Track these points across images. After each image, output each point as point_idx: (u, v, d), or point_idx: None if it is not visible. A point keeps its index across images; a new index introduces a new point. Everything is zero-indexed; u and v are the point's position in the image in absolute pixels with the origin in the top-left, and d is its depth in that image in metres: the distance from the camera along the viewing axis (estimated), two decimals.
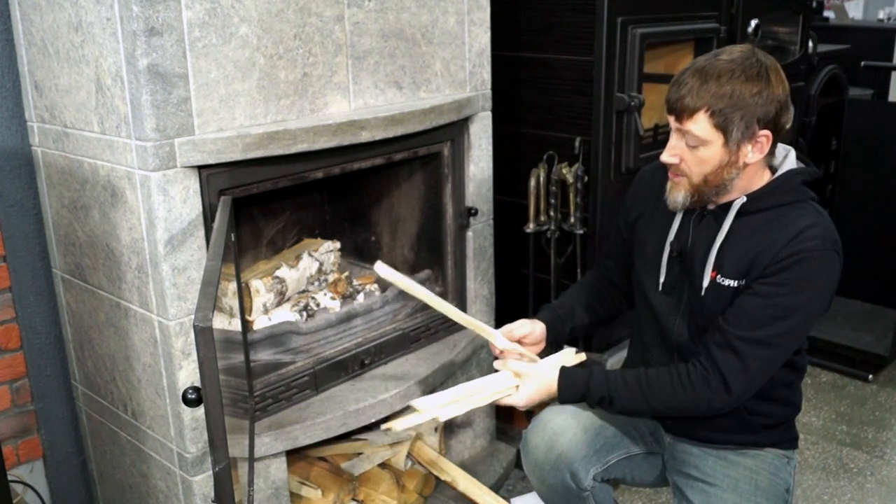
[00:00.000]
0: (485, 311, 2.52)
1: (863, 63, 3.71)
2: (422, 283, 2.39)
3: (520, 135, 2.74)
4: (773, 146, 1.68)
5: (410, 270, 2.44)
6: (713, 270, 1.73)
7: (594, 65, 2.46)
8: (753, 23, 2.94)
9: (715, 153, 1.65)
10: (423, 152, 2.24)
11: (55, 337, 2.20)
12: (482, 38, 2.29)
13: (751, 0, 2.89)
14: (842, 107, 3.52)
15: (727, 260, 1.72)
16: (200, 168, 1.75)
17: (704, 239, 1.76)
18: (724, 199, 1.73)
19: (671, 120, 1.68)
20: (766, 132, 1.63)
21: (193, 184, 1.75)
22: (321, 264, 2.30)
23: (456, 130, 2.28)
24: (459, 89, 2.26)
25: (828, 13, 5.22)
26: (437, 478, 2.37)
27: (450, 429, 2.48)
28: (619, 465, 1.89)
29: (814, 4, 3.53)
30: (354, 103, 2.02)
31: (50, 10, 1.80)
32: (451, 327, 2.42)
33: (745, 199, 1.71)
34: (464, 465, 2.41)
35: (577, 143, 2.49)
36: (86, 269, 1.99)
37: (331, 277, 2.34)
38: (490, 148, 2.38)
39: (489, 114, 2.36)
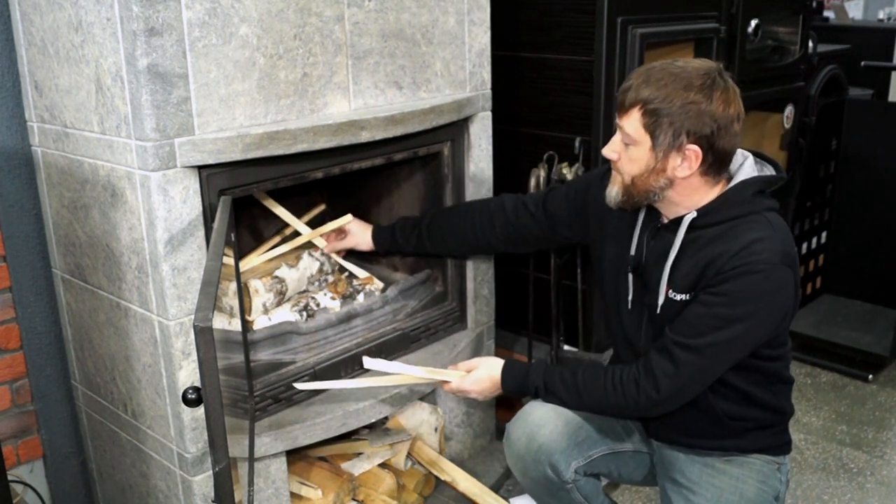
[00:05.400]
0: (485, 311, 2.52)
1: (863, 63, 3.71)
2: (422, 283, 2.40)
3: (520, 135, 2.74)
4: (719, 167, 1.67)
5: (410, 270, 2.44)
6: (667, 286, 1.73)
7: (594, 65, 2.46)
8: (753, 23, 2.94)
9: (642, 155, 1.65)
10: (423, 152, 2.24)
11: (55, 337, 2.20)
12: (482, 38, 2.28)
13: (751, 0, 2.89)
14: (842, 107, 3.53)
15: (679, 275, 1.71)
16: (200, 168, 1.75)
17: (658, 255, 1.76)
18: (674, 214, 1.72)
19: (617, 116, 1.69)
20: (696, 148, 1.61)
21: (193, 184, 1.75)
22: (321, 264, 2.30)
23: (456, 130, 2.28)
24: (459, 89, 2.26)
25: (828, 13, 5.22)
26: (437, 478, 2.37)
27: (450, 429, 2.48)
28: (603, 461, 1.89)
29: (814, 4, 3.52)
30: (354, 103, 2.02)
31: (50, 10, 1.80)
32: (451, 327, 2.43)
33: (695, 213, 1.70)
34: (464, 465, 2.41)
35: (577, 143, 2.49)
36: (86, 269, 1.99)
37: (331, 277, 2.34)
38: (490, 148, 2.38)
39: (489, 114, 2.35)
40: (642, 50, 2.47)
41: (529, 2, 2.59)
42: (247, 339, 1.94)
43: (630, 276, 1.82)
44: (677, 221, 1.71)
